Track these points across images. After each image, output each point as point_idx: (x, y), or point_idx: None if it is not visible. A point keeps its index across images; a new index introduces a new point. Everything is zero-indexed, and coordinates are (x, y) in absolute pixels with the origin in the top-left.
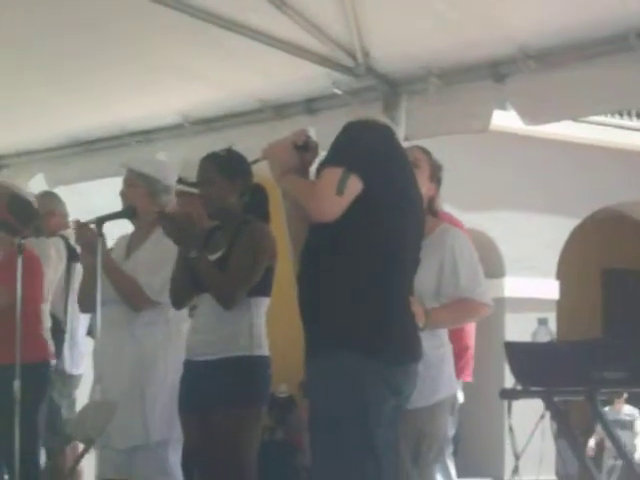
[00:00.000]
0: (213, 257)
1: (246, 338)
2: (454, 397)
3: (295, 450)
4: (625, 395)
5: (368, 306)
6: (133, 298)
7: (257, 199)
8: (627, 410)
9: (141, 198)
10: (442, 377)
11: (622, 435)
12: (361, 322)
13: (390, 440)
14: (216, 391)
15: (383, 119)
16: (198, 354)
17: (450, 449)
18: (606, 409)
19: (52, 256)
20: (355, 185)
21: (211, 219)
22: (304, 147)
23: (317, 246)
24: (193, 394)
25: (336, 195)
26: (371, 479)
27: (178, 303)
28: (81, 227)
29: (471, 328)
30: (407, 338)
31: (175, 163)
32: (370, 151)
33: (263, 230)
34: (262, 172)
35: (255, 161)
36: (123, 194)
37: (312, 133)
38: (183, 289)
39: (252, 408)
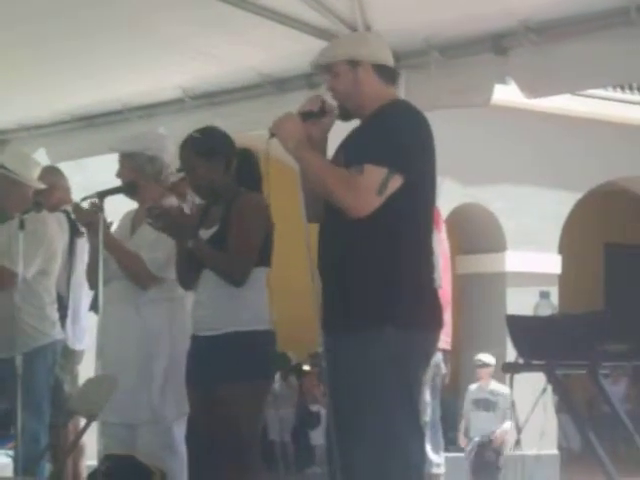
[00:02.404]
0: (207, 233)
1: (248, 312)
2: None
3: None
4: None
5: (406, 282)
6: (138, 275)
7: (246, 166)
8: (494, 387)
9: (130, 175)
10: None
11: (480, 418)
12: (402, 297)
13: None
14: (219, 366)
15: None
16: (202, 329)
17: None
18: (472, 386)
19: (54, 230)
20: (395, 183)
21: (204, 200)
22: (320, 113)
23: (350, 225)
24: (197, 369)
25: (377, 195)
26: (415, 443)
27: (186, 286)
28: (78, 209)
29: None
30: (436, 307)
31: (175, 137)
32: (411, 147)
33: (253, 201)
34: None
35: (273, 135)
36: (117, 175)
37: (328, 97)
38: (188, 273)
39: (254, 383)
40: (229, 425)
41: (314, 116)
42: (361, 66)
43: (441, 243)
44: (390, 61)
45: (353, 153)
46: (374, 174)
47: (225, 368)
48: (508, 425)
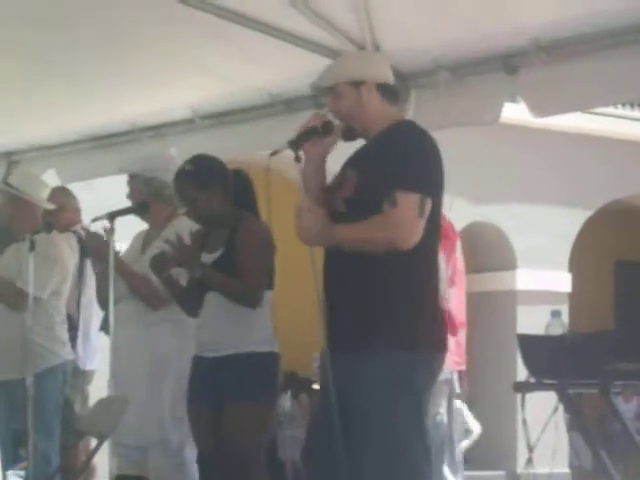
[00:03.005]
0: (211, 257)
1: (254, 334)
2: None
3: None
4: None
5: (417, 304)
6: (147, 297)
7: (240, 187)
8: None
9: (137, 196)
10: None
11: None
12: (411, 320)
13: None
14: (224, 388)
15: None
16: (207, 350)
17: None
18: None
19: (66, 251)
20: (429, 207)
21: (205, 227)
22: (323, 131)
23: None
24: (202, 391)
25: (419, 219)
26: (424, 463)
27: (192, 313)
28: (91, 235)
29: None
30: (442, 326)
31: (185, 157)
32: (434, 170)
33: (258, 225)
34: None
35: (275, 153)
36: (127, 196)
37: (331, 116)
38: (194, 300)
39: (258, 404)
40: (234, 446)
41: (317, 133)
42: (364, 86)
43: (457, 261)
44: (392, 79)
45: (373, 182)
46: (410, 201)
47: (228, 389)
48: (465, 443)
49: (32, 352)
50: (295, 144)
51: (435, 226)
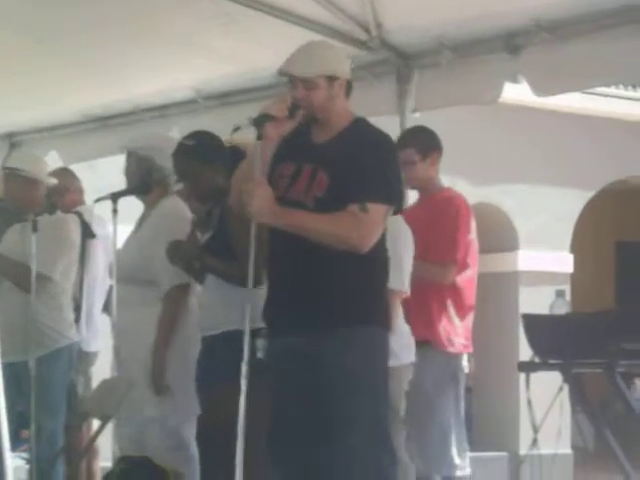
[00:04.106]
0: (204, 239)
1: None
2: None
3: None
4: None
5: (376, 285)
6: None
7: (237, 164)
8: None
9: (130, 174)
10: None
11: None
12: (373, 299)
13: None
14: (219, 366)
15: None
16: (206, 329)
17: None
18: None
19: (75, 232)
20: (390, 213)
21: (205, 204)
22: (291, 116)
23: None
24: (202, 369)
25: (381, 229)
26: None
27: (200, 279)
28: None
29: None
30: (388, 306)
31: None
32: (399, 176)
33: None
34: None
35: (237, 129)
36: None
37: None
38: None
39: (252, 382)
40: (229, 424)
41: (278, 121)
42: (337, 82)
43: (471, 243)
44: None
45: (345, 186)
46: (380, 211)
47: (223, 368)
48: None
49: (40, 333)
50: (258, 122)
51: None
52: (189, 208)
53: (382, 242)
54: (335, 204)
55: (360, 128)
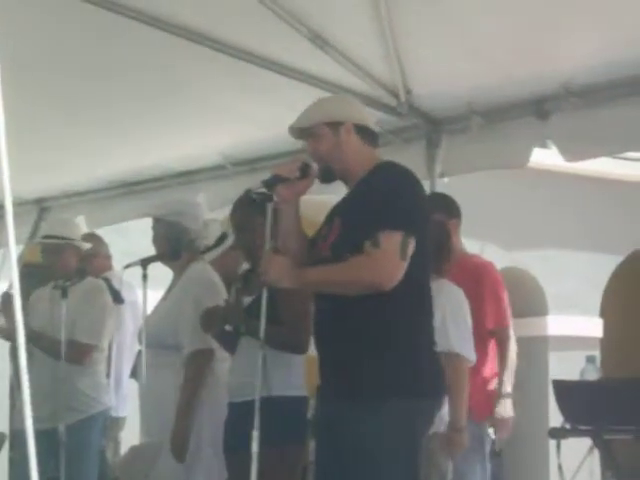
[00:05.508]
0: (248, 300)
1: (281, 378)
2: None
3: None
4: None
5: (415, 350)
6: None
7: None
8: None
9: (159, 240)
10: None
11: None
12: (409, 366)
13: None
14: (247, 432)
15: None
16: (236, 395)
17: None
18: None
19: (109, 298)
20: (412, 247)
21: (251, 261)
22: (302, 175)
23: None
24: (233, 436)
25: (401, 261)
26: None
27: (231, 349)
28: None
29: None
30: (438, 372)
31: (215, 203)
32: (416, 209)
33: None
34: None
35: (248, 191)
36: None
37: (309, 160)
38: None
39: (284, 449)
40: None
41: (289, 182)
42: (342, 127)
43: (506, 312)
44: (371, 123)
45: (356, 223)
46: (392, 241)
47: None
48: None
49: (77, 400)
50: (269, 184)
51: (426, 269)
52: (219, 274)
53: (422, 303)
54: (347, 246)
55: (381, 169)
